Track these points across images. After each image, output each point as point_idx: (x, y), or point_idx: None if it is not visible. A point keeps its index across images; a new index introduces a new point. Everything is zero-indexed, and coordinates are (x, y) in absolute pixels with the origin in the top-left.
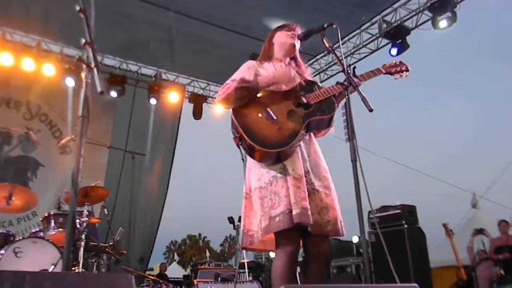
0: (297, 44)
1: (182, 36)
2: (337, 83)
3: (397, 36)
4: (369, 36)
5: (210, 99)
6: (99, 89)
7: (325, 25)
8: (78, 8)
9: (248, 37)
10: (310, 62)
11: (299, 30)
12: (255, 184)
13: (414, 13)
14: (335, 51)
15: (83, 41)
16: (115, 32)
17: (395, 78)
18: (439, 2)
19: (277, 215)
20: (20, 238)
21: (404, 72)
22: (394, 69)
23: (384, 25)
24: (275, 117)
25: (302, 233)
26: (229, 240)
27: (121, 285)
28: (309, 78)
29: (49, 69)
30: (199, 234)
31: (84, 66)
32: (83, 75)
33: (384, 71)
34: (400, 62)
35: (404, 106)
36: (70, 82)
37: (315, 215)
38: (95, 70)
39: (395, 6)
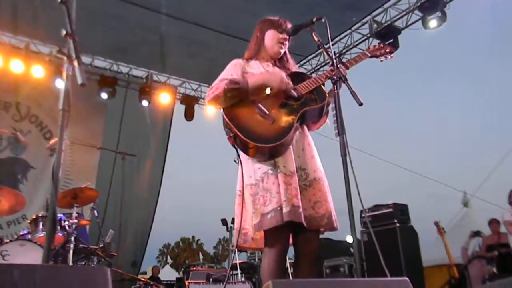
0: (284, 49)
1: (173, 38)
2: (325, 73)
3: (388, 36)
4: (360, 36)
5: (202, 100)
6: (79, 81)
7: (314, 19)
8: None
9: (240, 39)
10: (302, 62)
11: (290, 28)
12: (246, 181)
13: (404, 13)
14: (324, 46)
15: (64, 32)
16: (105, 34)
17: (381, 61)
18: (429, 2)
19: (269, 212)
20: (7, 241)
21: (389, 54)
22: (379, 51)
23: (375, 25)
24: (267, 112)
25: (292, 231)
26: (222, 243)
27: (97, 278)
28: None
29: (39, 71)
30: (193, 237)
31: (65, 58)
32: (64, 67)
33: (369, 55)
34: (384, 44)
35: (394, 106)
36: (60, 83)
37: (309, 210)
38: (75, 62)
39: (385, 6)
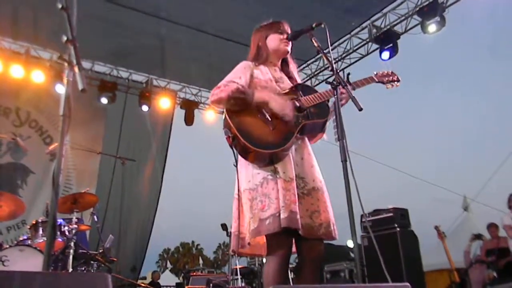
0: (289, 48)
1: (173, 43)
2: (326, 82)
3: (387, 40)
4: (359, 41)
5: (202, 105)
6: (80, 86)
7: (314, 25)
8: (60, 5)
9: (239, 44)
10: (301, 67)
11: (289, 30)
12: (244, 185)
13: (403, 17)
14: (324, 51)
15: (65, 38)
16: (105, 39)
17: (387, 88)
18: (428, 7)
19: (267, 217)
20: (7, 246)
21: (396, 82)
22: (386, 78)
23: (374, 30)
24: (269, 118)
25: (295, 237)
26: (222, 247)
27: (98, 284)
28: (300, 81)
29: (39, 76)
30: (192, 242)
31: (66, 64)
32: (64, 73)
33: (376, 80)
34: (392, 72)
35: (393, 110)
36: (60, 89)
37: (307, 219)
38: (76, 68)
39: (384, 11)
